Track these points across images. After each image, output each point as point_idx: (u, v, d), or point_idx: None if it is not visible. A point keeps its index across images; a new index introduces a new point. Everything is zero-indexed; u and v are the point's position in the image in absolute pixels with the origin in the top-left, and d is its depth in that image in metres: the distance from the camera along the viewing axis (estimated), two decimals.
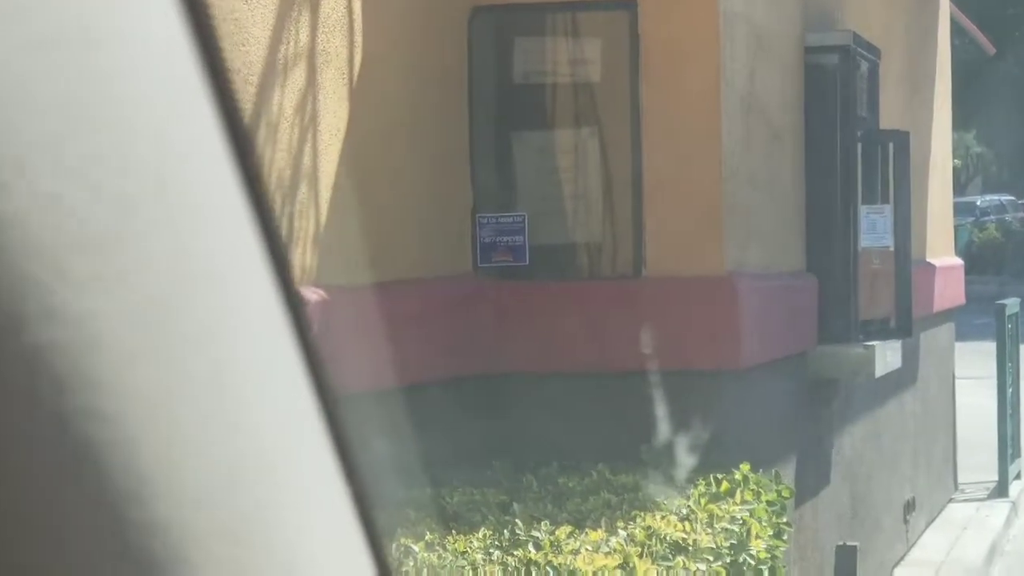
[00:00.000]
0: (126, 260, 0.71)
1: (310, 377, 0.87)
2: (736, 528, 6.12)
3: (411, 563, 5.14)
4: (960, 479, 14.41)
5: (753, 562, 6.04)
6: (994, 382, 14.65)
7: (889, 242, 9.83)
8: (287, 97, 6.18)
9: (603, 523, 5.88)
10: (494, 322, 7.53)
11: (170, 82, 0.77)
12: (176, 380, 0.73)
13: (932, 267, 12.83)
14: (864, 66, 9.77)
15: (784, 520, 6.65)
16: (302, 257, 6.23)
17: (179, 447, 0.72)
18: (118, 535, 0.70)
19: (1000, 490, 14.21)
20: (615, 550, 5.47)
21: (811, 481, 9.00)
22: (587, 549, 5.41)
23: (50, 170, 0.68)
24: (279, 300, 0.85)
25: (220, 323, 0.77)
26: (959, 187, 41.29)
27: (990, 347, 14.93)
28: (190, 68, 0.79)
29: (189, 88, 0.79)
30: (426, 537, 5.54)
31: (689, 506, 6.22)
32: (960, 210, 33.77)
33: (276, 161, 6.09)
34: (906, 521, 11.88)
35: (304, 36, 6.31)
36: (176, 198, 0.75)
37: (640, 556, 5.48)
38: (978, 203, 42.10)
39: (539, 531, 5.57)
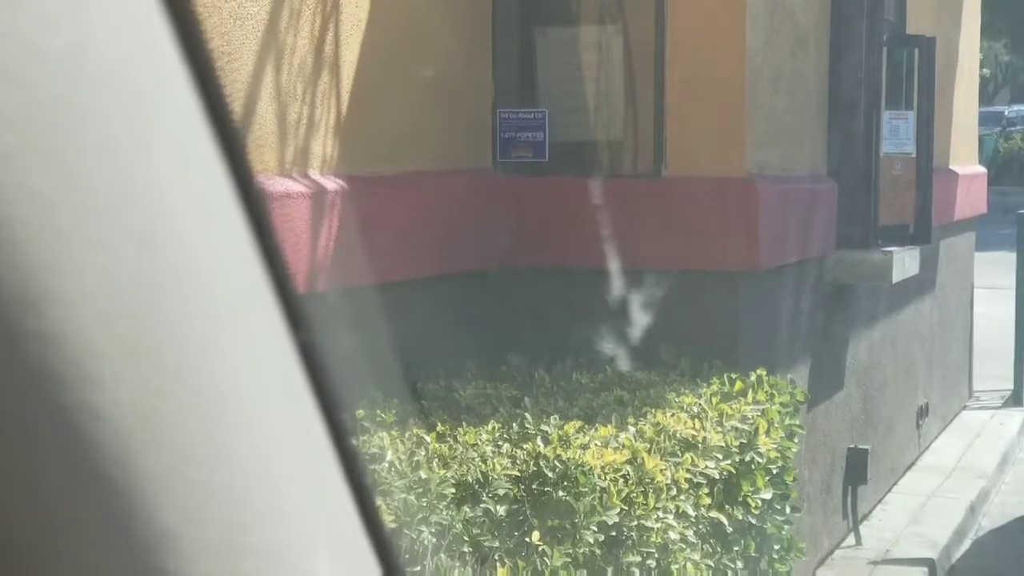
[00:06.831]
0: (113, 275, 0.71)
1: (310, 381, 0.88)
2: (747, 428, 6.14)
3: (422, 452, 5.18)
4: (975, 387, 14.43)
5: (762, 461, 6.08)
6: (1013, 292, 14.64)
7: (911, 148, 9.78)
8: None
9: (614, 419, 5.91)
10: (512, 217, 7.53)
11: (152, 85, 0.77)
12: (170, 393, 0.73)
13: (954, 175, 12.77)
14: None
15: (796, 422, 6.67)
16: (322, 146, 6.23)
17: (176, 459, 0.73)
18: (121, 548, 0.71)
19: (1015, 399, 14.23)
20: (624, 446, 5.50)
21: (825, 385, 9.03)
22: (596, 444, 5.44)
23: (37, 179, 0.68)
24: (276, 302, 0.85)
25: (213, 332, 0.77)
26: (986, 97, 41.06)
27: (1012, 257, 14.90)
28: (174, 65, 0.79)
29: (174, 92, 0.79)
30: (437, 428, 5.58)
31: (700, 404, 6.24)
32: (986, 120, 33.59)
33: (298, 50, 6.08)
34: (919, 427, 11.91)
35: None
36: (165, 212, 0.75)
37: (649, 452, 5.52)
38: (1005, 113, 41.83)
39: (548, 425, 5.60)
